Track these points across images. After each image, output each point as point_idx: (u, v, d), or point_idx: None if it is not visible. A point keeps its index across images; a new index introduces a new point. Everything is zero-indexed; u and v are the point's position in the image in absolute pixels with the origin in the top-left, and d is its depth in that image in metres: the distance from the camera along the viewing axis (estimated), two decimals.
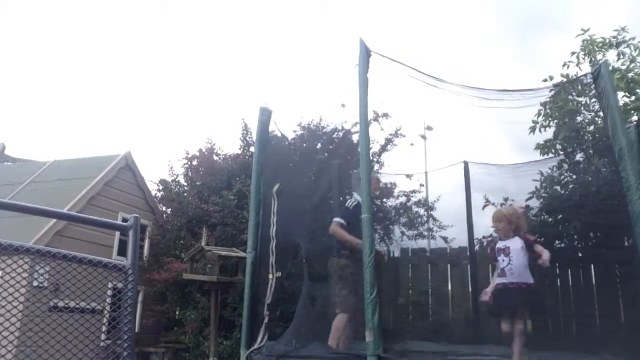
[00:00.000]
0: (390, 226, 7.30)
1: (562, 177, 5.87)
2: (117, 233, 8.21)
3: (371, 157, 7.21)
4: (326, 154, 7.13)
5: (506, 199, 5.83)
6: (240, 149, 8.56)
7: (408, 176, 7.40)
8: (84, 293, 2.05)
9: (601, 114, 5.31)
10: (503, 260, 3.98)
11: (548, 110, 5.70)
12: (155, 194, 9.64)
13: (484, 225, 6.39)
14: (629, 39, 5.77)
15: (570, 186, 5.75)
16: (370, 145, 7.04)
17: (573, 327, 5.61)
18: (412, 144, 7.87)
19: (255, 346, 4.22)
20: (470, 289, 6.34)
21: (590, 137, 5.68)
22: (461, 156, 6.87)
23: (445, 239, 7.13)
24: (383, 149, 7.53)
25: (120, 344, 2.05)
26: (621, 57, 5.80)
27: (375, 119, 7.29)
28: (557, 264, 5.88)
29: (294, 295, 5.43)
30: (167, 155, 16.89)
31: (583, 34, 5.92)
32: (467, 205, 6.54)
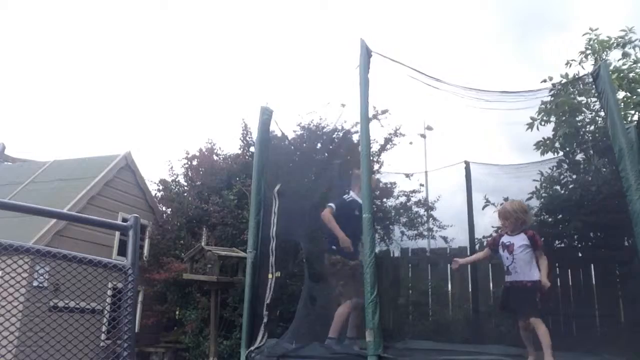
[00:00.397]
0: (390, 226, 7.31)
1: (562, 177, 5.86)
2: (117, 233, 8.22)
3: (371, 157, 7.21)
4: (326, 154, 7.13)
5: (506, 199, 5.82)
6: (240, 149, 8.57)
7: (408, 176, 7.40)
8: (84, 293, 2.05)
9: (602, 113, 5.31)
10: (507, 258, 3.98)
11: (547, 107, 5.69)
12: (155, 194, 9.65)
13: (484, 225, 6.40)
14: (635, 40, 5.76)
15: (570, 186, 5.74)
16: (370, 145, 7.04)
17: (573, 327, 5.60)
18: (411, 143, 7.86)
19: (255, 346, 4.22)
20: (470, 289, 6.33)
21: (590, 137, 5.67)
22: (461, 156, 6.87)
23: (445, 239, 7.13)
24: (383, 148, 7.54)
25: (120, 344, 2.05)
26: (625, 57, 5.79)
27: (375, 117, 7.29)
28: (557, 264, 5.88)
29: (294, 295, 5.43)
30: (167, 155, 16.92)
31: (590, 33, 5.91)
32: (468, 205, 6.53)
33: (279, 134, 5.69)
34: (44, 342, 2.00)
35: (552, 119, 5.77)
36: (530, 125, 5.85)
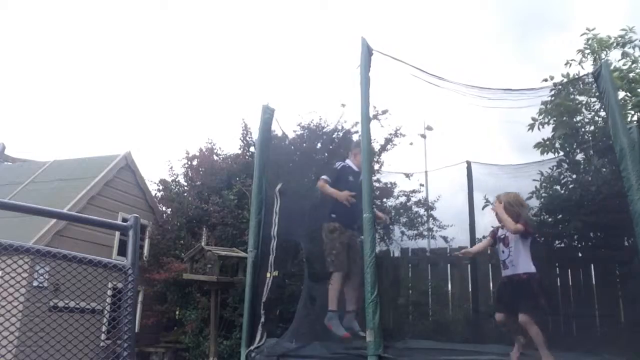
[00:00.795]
0: (390, 226, 7.30)
1: (562, 177, 5.86)
2: (117, 233, 8.21)
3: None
4: (326, 154, 7.12)
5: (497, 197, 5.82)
6: (240, 149, 8.57)
7: (408, 176, 7.41)
8: (84, 293, 2.05)
9: (602, 113, 5.31)
10: (503, 252, 3.97)
11: (548, 108, 5.68)
12: (155, 194, 9.65)
13: (485, 225, 6.39)
14: (635, 40, 5.76)
15: (570, 186, 5.74)
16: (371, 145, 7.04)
17: (573, 327, 5.60)
18: (411, 144, 7.87)
19: (253, 345, 4.21)
20: (470, 289, 6.33)
21: (590, 137, 5.67)
22: (461, 156, 6.88)
23: (445, 238, 7.13)
24: (383, 148, 7.54)
25: (120, 344, 2.05)
26: (625, 57, 5.79)
27: (375, 117, 7.29)
28: (557, 264, 5.88)
29: (294, 295, 5.43)
30: (167, 155, 16.91)
31: (588, 32, 5.91)
32: (469, 205, 6.54)
33: (280, 134, 5.69)
34: (44, 342, 1.99)
35: (551, 120, 5.77)
36: (532, 126, 5.85)
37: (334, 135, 7.46)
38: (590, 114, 5.71)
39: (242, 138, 8.44)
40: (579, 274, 5.83)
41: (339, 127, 7.39)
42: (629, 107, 5.45)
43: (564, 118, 5.61)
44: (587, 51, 5.84)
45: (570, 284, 5.89)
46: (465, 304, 6.35)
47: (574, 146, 5.72)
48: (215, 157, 9.02)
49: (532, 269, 3.82)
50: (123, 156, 9.19)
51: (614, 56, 5.83)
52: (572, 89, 5.62)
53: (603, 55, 5.74)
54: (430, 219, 7.40)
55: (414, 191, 7.46)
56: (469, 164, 6.70)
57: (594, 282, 5.75)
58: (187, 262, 6.76)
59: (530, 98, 4.46)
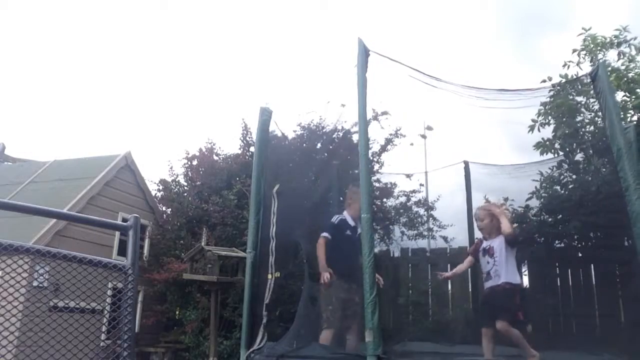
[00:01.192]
0: (390, 226, 7.31)
1: (562, 177, 5.87)
2: (117, 233, 8.21)
3: (371, 157, 7.22)
4: (326, 154, 7.12)
5: (506, 199, 5.83)
6: (240, 149, 8.57)
7: (408, 176, 7.41)
8: (84, 293, 2.06)
9: (601, 113, 5.32)
10: (488, 263, 3.95)
11: (547, 108, 5.69)
12: (155, 194, 9.64)
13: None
14: (630, 39, 5.77)
15: (570, 186, 5.74)
16: (370, 145, 7.05)
17: (573, 327, 5.61)
18: (411, 144, 7.87)
19: (255, 347, 4.22)
20: (470, 289, 6.34)
21: (590, 137, 5.67)
22: (461, 156, 6.89)
23: (445, 239, 7.13)
24: (383, 149, 7.54)
25: (120, 344, 2.05)
26: (622, 57, 5.80)
27: (375, 118, 7.29)
28: (557, 264, 5.88)
29: (294, 295, 5.43)
30: (167, 155, 16.88)
31: (584, 33, 5.92)
32: (467, 205, 6.54)
33: (279, 134, 5.69)
34: (44, 342, 2.00)
35: (552, 120, 5.78)
36: (532, 128, 5.86)
37: (333, 135, 7.46)
38: (590, 114, 5.72)
39: (242, 138, 8.45)
40: (579, 274, 5.84)
41: (339, 127, 7.39)
42: (629, 108, 5.45)
43: (565, 119, 5.62)
44: (583, 52, 5.85)
45: (570, 284, 5.90)
46: (465, 304, 6.36)
47: (574, 146, 5.73)
48: (215, 157, 9.02)
49: (516, 279, 3.81)
50: (123, 156, 9.19)
51: (611, 56, 5.85)
52: (570, 90, 5.63)
53: (600, 56, 5.75)
54: (430, 219, 7.40)
55: (414, 191, 7.46)
56: (466, 164, 6.70)
57: (594, 282, 5.76)
58: (187, 262, 6.76)
59: (529, 98, 4.47)
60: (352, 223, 4.55)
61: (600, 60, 5.43)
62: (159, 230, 8.89)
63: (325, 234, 4.48)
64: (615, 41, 5.79)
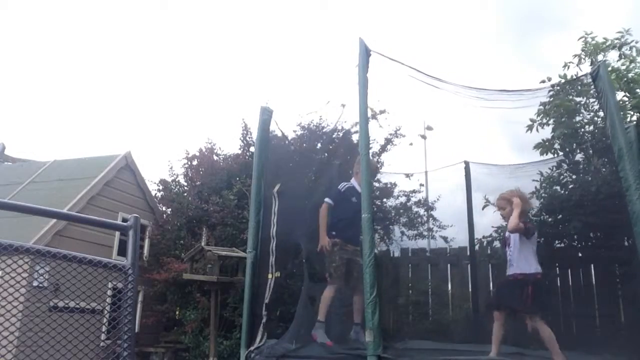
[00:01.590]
0: (390, 226, 7.30)
1: (562, 177, 5.87)
2: (117, 233, 8.21)
3: (371, 157, 7.20)
4: (326, 154, 7.12)
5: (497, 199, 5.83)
6: (240, 149, 8.56)
7: (408, 176, 7.40)
8: (84, 293, 2.05)
9: (600, 113, 5.32)
10: (506, 252, 3.99)
11: (547, 108, 5.70)
12: (155, 194, 9.64)
13: (484, 225, 6.40)
14: (631, 41, 5.78)
15: (570, 186, 5.75)
16: (370, 145, 7.04)
17: (573, 327, 5.61)
18: (411, 144, 7.85)
19: (254, 346, 4.22)
20: (470, 289, 6.34)
21: (590, 137, 5.68)
22: (461, 156, 6.88)
23: (445, 239, 7.13)
24: (383, 148, 7.54)
25: (120, 344, 2.05)
26: (622, 58, 5.80)
27: (374, 117, 7.28)
28: (557, 264, 5.88)
29: (294, 295, 5.43)
30: (167, 155, 16.90)
31: (585, 36, 5.93)
32: (467, 205, 6.54)
33: (279, 134, 5.69)
34: (44, 342, 2.00)
35: (551, 120, 5.78)
36: (530, 127, 5.86)
37: (333, 136, 7.45)
38: (589, 114, 5.72)
39: (242, 138, 8.44)
40: (579, 274, 5.84)
41: (339, 127, 7.39)
42: (628, 108, 5.46)
43: (563, 119, 5.62)
44: (583, 55, 5.86)
45: (570, 284, 5.90)
46: (465, 304, 6.36)
47: (574, 146, 5.73)
48: (215, 157, 9.02)
49: (530, 269, 3.78)
50: (123, 156, 9.19)
51: (612, 57, 5.86)
52: (570, 90, 5.63)
53: (600, 57, 5.76)
54: (430, 219, 7.40)
55: (414, 191, 7.46)
56: (467, 164, 6.70)
57: (594, 282, 5.76)
58: (187, 262, 6.76)
59: (529, 99, 4.47)
60: (359, 189, 4.59)
61: (601, 60, 5.44)
62: (159, 230, 8.88)
63: (327, 200, 4.63)
64: (617, 43, 5.80)
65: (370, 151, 7.06)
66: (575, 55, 5.90)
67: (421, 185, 7.49)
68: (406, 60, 4.06)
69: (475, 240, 6.42)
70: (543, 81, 5.63)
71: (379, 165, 7.44)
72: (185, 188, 9.15)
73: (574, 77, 5.65)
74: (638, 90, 5.50)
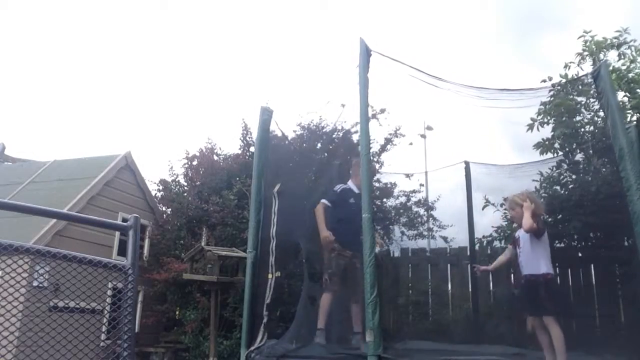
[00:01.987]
0: (390, 226, 7.30)
1: (562, 177, 5.87)
2: (117, 233, 8.21)
3: (371, 157, 7.21)
4: (326, 154, 7.12)
5: (506, 199, 5.83)
6: (240, 149, 8.56)
7: (408, 176, 7.41)
8: (84, 293, 2.05)
9: (601, 113, 5.32)
10: (516, 254, 3.98)
11: (547, 108, 5.69)
12: (155, 194, 9.64)
13: (484, 225, 6.40)
14: (631, 41, 5.78)
15: (570, 186, 5.75)
16: (370, 145, 7.04)
17: (573, 327, 5.61)
18: (411, 144, 7.86)
19: (255, 346, 4.22)
20: (470, 289, 6.34)
21: (590, 137, 5.68)
22: (461, 156, 6.88)
23: (445, 239, 7.13)
24: (383, 148, 7.54)
25: (120, 344, 2.05)
26: (622, 57, 5.80)
27: (374, 116, 7.29)
28: (557, 264, 5.88)
29: (294, 295, 5.43)
30: (167, 155, 16.90)
31: (585, 35, 5.93)
32: (468, 205, 6.54)
33: (279, 134, 5.69)
34: (44, 342, 2.00)
35: (551, 120, 5.78)
36: (531, 127, 5.86)
37: (333, 136, 7.46)
38: (589, 114, 5.72)
39: (242, 138, 8.44)
40: (579, 274, 5.84)
41: (339, 127, 7.39)
42: (629, 108, 5.46)
43: (564, 118, 5.62)
44: (585, 53, 5.85)
45: (570, 284, 5.90)
46: (465, 304, 6.36)
47: (574, 146, 5.73)
48: (215, 157, 9.02)
49: (540, 270, 3.74)
50: (123, 156, 9.19)
51: (612, 56, 5.85)
52: (570, 90, 5.63)
53: (601, 57, 5.75)
54: (430, 219, 7.40)
55: (414, 191, 7.46)
56: (467, 164, 6.70)
57: (594, 282, 5.76)
58: (187, 262, 6.76)
59: (529, 98, 4.47)
60: (357, 190, 4.57)
61: (603, 60, 5.43)
62: (159, 230, 8.88)
63: (324, 201, 4.58)
64: (616, 42, 5.80)
65: (371, 151, 7.09)
66: (577, 54, 5.90)
67: (421, 185, 7.50)
68: (407, 60, 4.06)
69: (475, 240, 6.42)
70: (544, 81, 5.63)
71: (378, 166, 7.45)
72: (185, 188, 9.15)
73: (575, 76, 5.64)
74: (638, 90, 5.50)
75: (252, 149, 8.12)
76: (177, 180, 9.26)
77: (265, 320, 4.40)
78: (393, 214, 7.36)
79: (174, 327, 8.20)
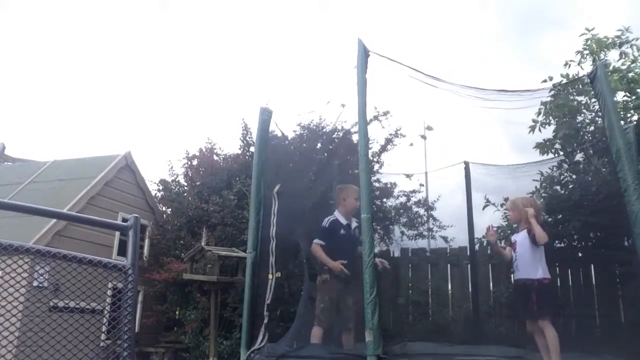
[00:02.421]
0: (390, 226, 7.31)
1: (562, 177, 5.87)
2: (117, 233, 8.20)
3: (371, 157, 7.22)
4: (326, 154, 7.12)
5: (506, 199, 5.84)
6: (240, 149, 8.56)
7: (408, 176, 7.41)
8: (84, 293, 2.06)
9: (601, 114, 5.32)
10: (514, 257, 3.98)
11: (548, 108, 5.69)
12: (155, 194, 9.64)
13: (484, 225, 6.39)
14: (632, 39, 5.77)
15: (570, 186, 5.75)
16: (370, 145, 7.05)
17: (573, 327, 5.61)
18: (411, 144, 7.85)
19: (255, 346, 4.22)
20: (470, 289, 6.34)
21: (590, 137, 5.68)
22: (461, 156, 6.87)
23: (445, 239, 7.13)
24: (383, 149, 7.54)
25: (120, 344, 2.05)
26: (623, 57, 5.80)
27: (376, 118, 7.29)
28: (557, 264, 5.88)
29: (295, 295, 5.43)
30: (167, 155, 16.85)
31: (587, 33, 5.92)
32: (467, 205, 6.54)
33: (279, 134, 5.69)
34: (44, 342, 2.00)
35: (552, 120, 5.78)
36: (532, 128, 5.86)
37: (333, 136, 7.45)
38: (590, 114, 5.72)
39: (242, 138, 8.44)
40: (579, 274, 5.84)
41: (339, 127, 7.39)
42: (630, 108, 5.45)
43: (565, 119, 5.62)
44: (586, 52, 5.85)
45: (570, 284, 5.91)
46: (465, 304, 6.36)
47: (574, 146, 5.73)
48: (215, 157, 9.02)
49: (536, 274, 3.75)
50: (123, 156, 9.18)
51: (613, 56, 5.85)
52: (571, 90, 5.63)
53: (602, 56, 5.75)
54: (430, 219, 7.40)
55: (414, 191, 7.46)
56: (466, 164, 6.70)
57: (594, 282, 5.76)
58: (187, 262, 6.76)
59: (529, 99, 4.47)
60: (344, 221, 4.54)
61: (601, 61, 5.43)
62: (159, 230, 8.88)
63: (317, 241, 4.47)
64: (617, 41, 5.79)
65: (370, 151, 7.09)
66: (578, 52, 5.89)
67: (421, 185, 7.50)
68: (406, 61, 4.06)
69: (475, 240, 6.42)
70: (544, 81, 5.63)
71: (378, 166, 7.45)
72: (185, 188, 9.14)
73: (576, 76, 5.64)
74: (639, 90, 5.50)
75: (252, 149, 8.11)
76: (177, 180, 9.26)
77: (265, 320, 4.39)
78: (393, 214, 7.36)
79: (174, 327, 8.20)
